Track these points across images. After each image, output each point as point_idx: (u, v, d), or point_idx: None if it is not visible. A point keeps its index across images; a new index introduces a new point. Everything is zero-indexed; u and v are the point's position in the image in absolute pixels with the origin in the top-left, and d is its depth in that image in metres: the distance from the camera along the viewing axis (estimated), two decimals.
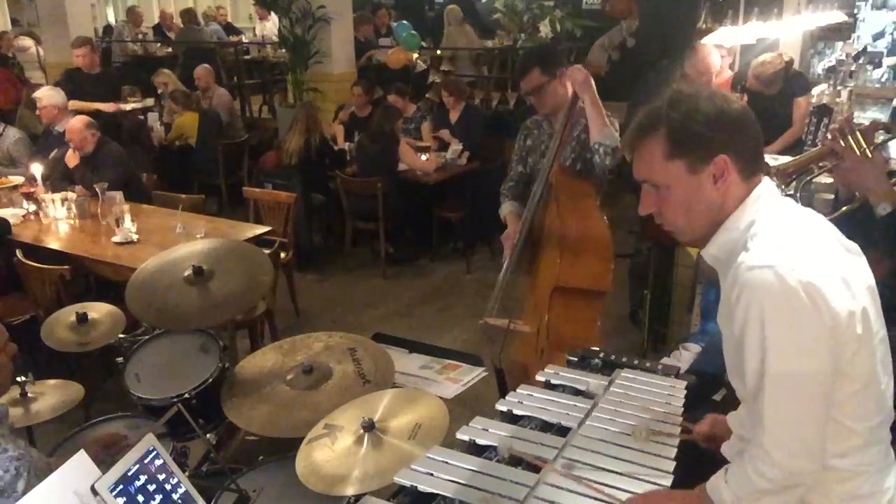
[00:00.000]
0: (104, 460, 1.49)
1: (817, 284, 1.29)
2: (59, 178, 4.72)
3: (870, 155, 2.26)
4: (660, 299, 4.03)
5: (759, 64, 4.52)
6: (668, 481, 1.49)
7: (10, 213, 4.33)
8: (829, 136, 2.34)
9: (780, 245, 1.35)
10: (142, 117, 6.89)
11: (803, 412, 1.32)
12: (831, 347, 1.31)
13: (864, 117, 5.23)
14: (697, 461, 1.65)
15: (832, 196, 3.15)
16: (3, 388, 1.88)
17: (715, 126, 1.39)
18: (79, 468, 1.43)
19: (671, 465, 1.54)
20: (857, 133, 2.27)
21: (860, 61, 7.42)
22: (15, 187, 4.78)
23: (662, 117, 1.42)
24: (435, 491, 1.46)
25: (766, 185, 1.46)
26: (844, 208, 2.45)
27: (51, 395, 2.43)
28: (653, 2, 7.10)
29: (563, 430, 1.70)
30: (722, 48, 4.69)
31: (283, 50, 7.62)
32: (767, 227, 1.39)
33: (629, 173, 1.54)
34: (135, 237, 4.00)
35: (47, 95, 5.44)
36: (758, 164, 1.45)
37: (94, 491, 1.39)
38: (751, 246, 1.37)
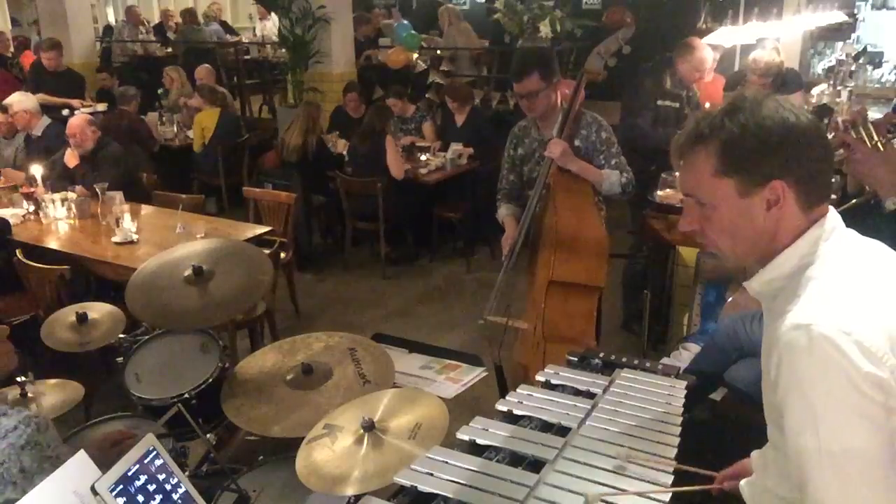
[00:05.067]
0: (112, 460, 1.48)
1: (857, 336, 1.12)
2: (59, 178, 4.72)
3: (881, 148, 2.25)
4: (659, 299, 4.03)
5: (753, 60, 4.50)
6: (667, 481, 1.49)
7: (10, 213, 4.33)
8: (842, 127, 2.34)
9: (831, 298, 1.17)
10: (142, 116, 6.89)
11: (864, 494, 1.13)
12: (884, 408, 1.12)
13: None
14: (698, 462, 1.65)
15: (833, 197, 3.16)
16: (7, 369, 1.87)
17: (775, 144, 1.21)
18: (79, 468, 1.43)
19: (671, 466, 1.54)
20: (870, 125, 2.27)
21: (860, 61, 7.42)
22: (15, 187, 4.78)
23: (717, 127, 1.24)
24: (435, 491, 1.46)
25: (832, 220, 1.27)
26: (853, 201, 2.45)
27: (51, 395, 2.43)
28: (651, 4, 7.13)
29: (563, 430, 1.70)
30: (719, 48, 4.69)
31: (283, 50, 7.62)
32: (826, 275, 1.21)
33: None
34: (135, 237, 4.00)
35: (17, 101, 5.43)
36: (822, 194, 1.27)
37: (94, 491, 1.39)
38: (802, 294, 1.21)
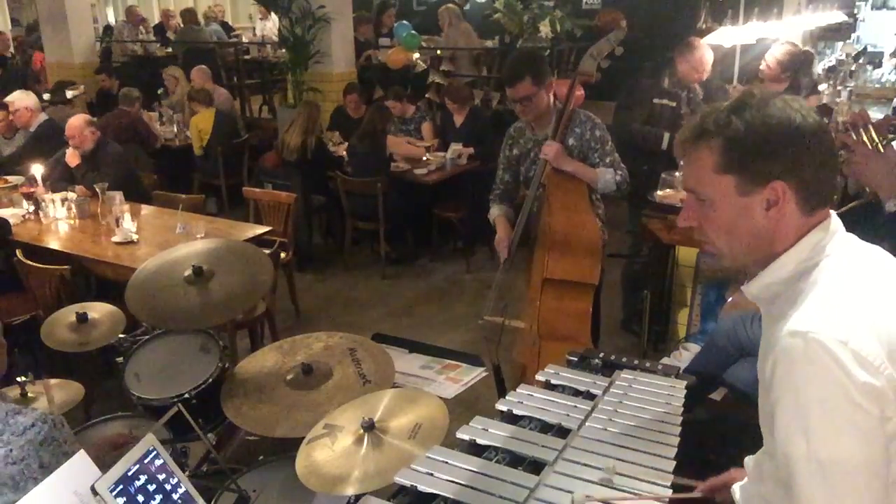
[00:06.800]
0: (112, 462, 1.49)
1: (854, 345, 1.11)
2: (59, 178, 4.72)
3: (882, 150, 2.26)
4: (659, 299, 4.03)
5: (778, 52, 4.47)
6: (667, 481, 1.49)
7: (10, 213, 4.33)
8: (842, 128, 2.34)
9: (830, 305, 1.17)
10: (143, 110, 6.87)
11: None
12: (879, 419, 1.11)
13: None
14: (698, 462, 1.65)
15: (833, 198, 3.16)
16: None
17: (779, 144, 1.20)
18: (79, 468, 1.43)
19: (671, 466, 1.54)
20: (871, 127, 2.27)
21: (860, 61, 7.43)
22: (15, 187, 4.78)
23: (722, 123, 1.23)
24: (435, 491, 1.46)
25: (833, 225, 1.27)
26: (853, 203, 2.45)
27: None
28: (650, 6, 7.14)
29: (563, 432, 1.70)
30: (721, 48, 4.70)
31: (283, 50, 7.62)
32: (826, 282, 1.21)
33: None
34: (135, 237, 4.00)
35: (18, 98, 5.46)
36: (823, 198, 1.25)
37: (94, 491, 1.39)
38: (801, 300, 1.20)
